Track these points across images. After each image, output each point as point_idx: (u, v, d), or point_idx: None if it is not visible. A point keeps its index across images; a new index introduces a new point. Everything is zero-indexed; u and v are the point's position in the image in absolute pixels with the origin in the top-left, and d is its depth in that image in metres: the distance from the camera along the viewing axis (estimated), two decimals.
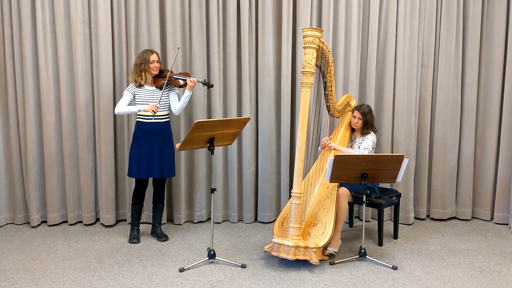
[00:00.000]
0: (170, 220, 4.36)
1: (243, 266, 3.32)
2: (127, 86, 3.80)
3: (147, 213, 4.18)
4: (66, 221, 4.28)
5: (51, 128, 4.12)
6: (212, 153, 3.32)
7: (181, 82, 3.74)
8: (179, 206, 4.26)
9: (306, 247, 3.23)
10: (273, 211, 4.35)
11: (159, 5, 4.07)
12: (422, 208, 4.45)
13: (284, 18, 4.10)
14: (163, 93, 3.69)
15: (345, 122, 3.90)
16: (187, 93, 3.70)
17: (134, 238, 3.81)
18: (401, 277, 3.17)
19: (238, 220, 4.40)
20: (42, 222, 4.29)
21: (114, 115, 4.13)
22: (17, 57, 4.06)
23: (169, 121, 3.80)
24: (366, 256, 3.41)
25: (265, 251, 3.50)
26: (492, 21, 4.26)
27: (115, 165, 4.21)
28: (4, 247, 3.71)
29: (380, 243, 3.77)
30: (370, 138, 3.68)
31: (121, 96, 3.73)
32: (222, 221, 4.39)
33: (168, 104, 3.78)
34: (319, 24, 4.19)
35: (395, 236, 3.95)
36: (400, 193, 4.08)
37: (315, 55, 3.30)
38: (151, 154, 3.67)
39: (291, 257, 3.20)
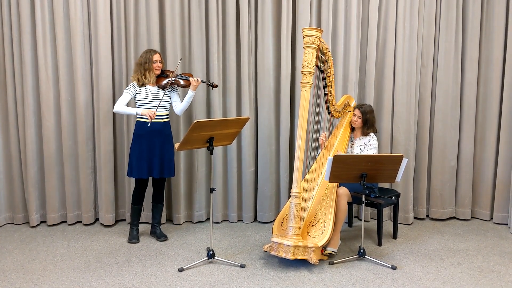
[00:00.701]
0: (170, 220, 4.36)
1: (242, 266, 3.32)
2: (127, 85, 3.80)
3: (146, 213, 4.18)
4: (66, 221, 4.28)
5: (50, 127, 4.12)
6: (212, 153, 3.32)
7: (183, 82, 3.74)
8: (179, 206, 4.26)
9: (305, 247, 3.23)
10: (273, 211, 4.35)
11: (159, 5, 4.07)
12: (421, 208, 4.45)
13: (283, 18, 4.10)
14: (165, 93, 3.69)
15: (344, 122, 3.89)
16: (190, 93, 3.70)
17: (134, 238, 3.82)
18: (400, 277, 3.17)
19: (238, 220, 4.40)
20: (42, 222, 4.29)
21: (114, 115, 4.13)
22: (16, 57, 4.06)
23: (169, 121, 3.80)
24: (365, 256, 3.41)
25: (264, 251, 3.50)
26: (491, 21, 4.26)
27: (114, 165, 4.21)
28: (3, 247, 3.71)
29: (380, 243, 3.77)
30: (374, 144, 3.67)
31: (121, 95, 3.73)
32: (222, 221, 4.39)
33: (169, 104, 3.78)
34: (319, 24, 4.19)
35: (395, 236, 3.95)
36: (400, 193, 4.08)
37: (315, 55, 3.30)
38: (152, 154, 3.67)
39: (290, 256, 3.20)
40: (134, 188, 3.82)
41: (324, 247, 3.37)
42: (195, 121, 3.06)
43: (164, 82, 3.72)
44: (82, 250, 3.63)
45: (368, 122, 3.70)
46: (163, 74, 3.77)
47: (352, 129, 3.87)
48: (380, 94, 4.30)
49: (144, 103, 3.66)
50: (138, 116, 3.69)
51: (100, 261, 3.42)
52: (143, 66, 3.67)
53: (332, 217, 3.39)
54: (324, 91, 3.64)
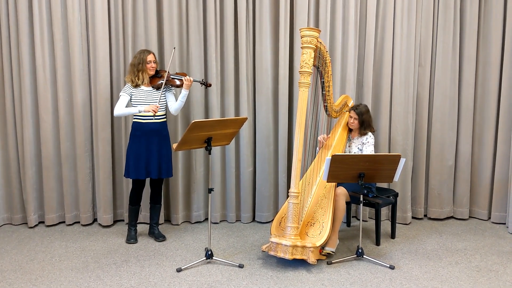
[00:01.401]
0: (168, 220, 4.36)
1: (241, 266, 3.32)
2: (124, 86, 3.80)
3: (144, 213, 4.18)
4: (64, 222, 4.28)
5: (48, 128, 4.12)
6: (210, 153, 3.31)
7: (178, 82, 3.74)
8: (177, 206, 4.25)
9: (303, 247, 3.23)
10: (271, 211, 4.35)
11: (156, 5, 4.07)
12: (419, 207, 4.45)
13: (281, 18, 4.10)
14: (162, 93, 3.69)
15: (342, 122, 3.90)
16: (184, 92, 3.70)
17: (132, 238, 3.81)
18: (399, 276, 3.18)
19: (236, 220, 4.40)
20: (40, 222, 4.28)
21: (112, 116, 4.13)
22: (14, 58, 4.06)
23: (166, 121, 3.80)
24: (364, 256, 3.41)
25: (262, 251, 3.50)
26: (489, 21, 4.26)
27: (112, 165, 4.21)
28: (1, 247, 3.71)
29: (378, 243, 3.77)
30: (371, 141, 3.67)
31: (118, 96, 3.72)
32: (220, 221, 4.39)
33: (165, 104, 3.78)
34: (317, 24, 4.19)
35: (393, 235, 3.95)
36: (398, 193, 4.08)
37: (312, 55, 3.31)
38: (150, 155, 3.67)
39: (288, 256, 3.20)
40: (131, 189, 3.82)
41: (323, 247, 3.38)
42: (193, 121, 3.05)
43: (159, 82, 3.72)
44: (80, 251, 3.63)
45: (365, 123, 3.70)
46: (157, 74, 3.77)
47: (350, 129, 3.87)
48: (378, 94, 4.30)
49: (140, 104, 3.65)
50: (134, 116, 3.68)
51: (98, 262, 3.41)
52: (137, 67, 3.66)
53: (330, 217, 3.40)
54: (322, 91, 3.65)
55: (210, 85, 3.88)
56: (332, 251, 3.47)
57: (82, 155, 4.15)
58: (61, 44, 4.04)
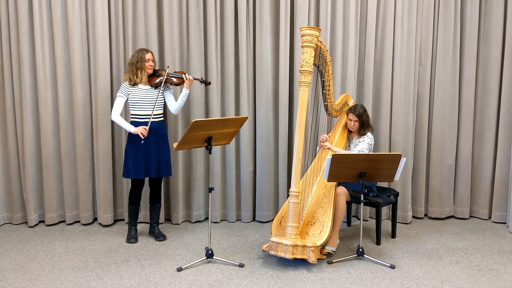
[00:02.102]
0: (168, 219, 4.36)
1: (241, 266, 3.32)
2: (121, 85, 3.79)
3: (144, 213, 4.18)
4: (64, 221, 4.28)
5: (48, 127, 4.12)
6: (210, 153, 3.31)
7: (177, 81, 3.73)
8: (177, 205, 4.25)
9: (304, 246, 3.23)
10: (271, 210, 4.35)
11: (157, 4, 4.06)
12: (420, 207, 4.45)
13: (281, 17, 4.10)
14: (160, 92, 3.68)
15: (342, 121, 3.89)
16: (185, 91, 3.69)
17: (132, 237, 3.81)
18: (399, 276, 3.18)
19: (236, 220, 4.40)
20: (40, 222, 4.28)
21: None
22: (14, 57, 4.05)
23: (163, 120, 3.80)
24: (364, 255, 3.41)
25: (263, 250, 3.50)
26: (489, 20, 4.26)
27: (113, 164, 4.20)
28: (1, 247, 3.70)
29: (378, 242, 3.77)
30: (367, 140, 3.66)
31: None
32: (220, 220, 4.39)
33: (163, 103, 3.77)
34: (317, 23, 4.19)
35: (393, 235, 3.95)
36: (398, 192, 4.08)
37: (313, 54, 3.30)
38: (148, 154, 3.66)
39: (289, 256, 3.20)
40: (130, 188, 3.82)
41: (323, 246, 3.38)
42: (193, 120, 3.05)
43: (157, 80, 3.71)
44: (80, 250, 3.63)
45: (364, 124, 3.70)
46: (156, 73, 3.76)
47: (350, 130, 3.86)
48: (378, 93, 4.30)
49: (138, 103, 3.65)
50: (132, 116, 3.68)
51: (99, 261, 3.41)
52: (135, 65, 3.65)
53: (330, 216, 3.40)
54: (323, 90, 3.64)
55: (209, 83, 3.88)
56: (333, 251, 3.47)
57: (82, 154, 4.15)
58: (61, 43, 4.04)
